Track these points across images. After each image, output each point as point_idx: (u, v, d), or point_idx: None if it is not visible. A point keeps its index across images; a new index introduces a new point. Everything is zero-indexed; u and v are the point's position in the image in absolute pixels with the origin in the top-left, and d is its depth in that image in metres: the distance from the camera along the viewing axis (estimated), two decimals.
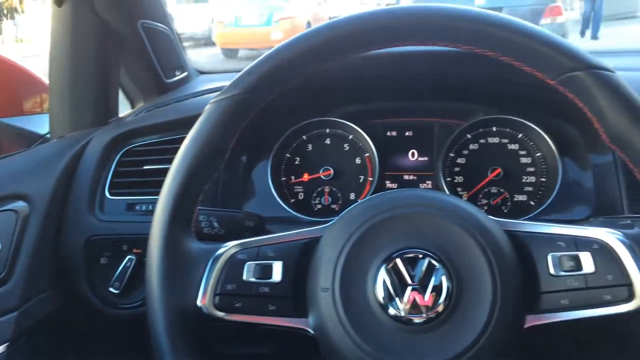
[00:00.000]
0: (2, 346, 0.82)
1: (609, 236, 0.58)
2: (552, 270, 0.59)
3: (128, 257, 0.91)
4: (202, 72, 1.40)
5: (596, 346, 0.80)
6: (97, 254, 0.92)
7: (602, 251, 0.58)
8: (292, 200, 1.05)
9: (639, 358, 0.58)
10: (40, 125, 1.13)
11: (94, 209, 0.94)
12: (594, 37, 8.12)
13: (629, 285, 0.56)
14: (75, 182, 0.94)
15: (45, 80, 1.07)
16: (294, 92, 0.95)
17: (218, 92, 0.63)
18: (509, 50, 0.60)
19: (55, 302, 0.91)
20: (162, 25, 1.13)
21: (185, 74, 1.26)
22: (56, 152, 0.95)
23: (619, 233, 0.58)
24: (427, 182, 1.04)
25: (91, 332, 0.99)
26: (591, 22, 8.25)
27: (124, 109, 1.21)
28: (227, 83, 0.64)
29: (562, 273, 0.58)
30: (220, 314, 0.62)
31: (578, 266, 0.58)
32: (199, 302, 0.61)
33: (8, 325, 0.83)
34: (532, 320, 0.59)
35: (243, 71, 0.63)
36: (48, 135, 1.09)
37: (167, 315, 0.61)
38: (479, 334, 0.56)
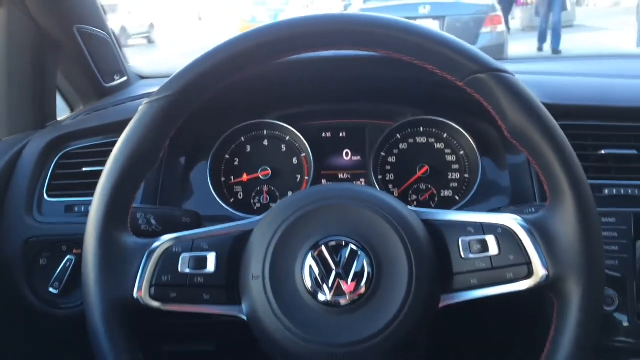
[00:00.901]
0: None
1: (511, 221, 0.64)
2: (462, 254, 0.64)
3: (67, 257, 0.92)
4: (142, 77, 1.42)
5: (499, 323, 0.87)
6: (36, 255, 0.93)
7: (505, 234, 0.63)
8: (232, 200, 1.08)
9: (537, 332, 0.65)
10: None
11: (32, 211, 0.95)
12: (556, 51, 7.94)
13: (528, 264, 0.62)
14: (13, 184, 0.95)
15: None
16: (232, 94, 0.99)
17: (154, 93, 0.66)
18: (422, 55, 0.65)
19: None
20: (99, 30, 1.14)
21: (124, 78, 1.28)
22: None
23: (520, 218, 0.64)
24: (361, 180, 1.09)
25: (30, 333, 0.99)
26: (550, 36, 8.14)
27: (64, 114, 1.21)
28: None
29: (471, 255, 0.64)
30: (157, 304, 0.64)
31: (485, 249, 0.64)
32: (135, 294, 0.63)
33: None
34: (446, 300, 0.64)
35: (175, 74, 0.66)
36: None
37: (104, 307, 0.63)
38: (397, 312, 0.61)
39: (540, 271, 0.61)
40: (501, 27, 7.80)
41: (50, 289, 0.91)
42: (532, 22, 10.76)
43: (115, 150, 0.65)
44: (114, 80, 1.22)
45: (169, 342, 1.09)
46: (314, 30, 0.65)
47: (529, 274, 0.62)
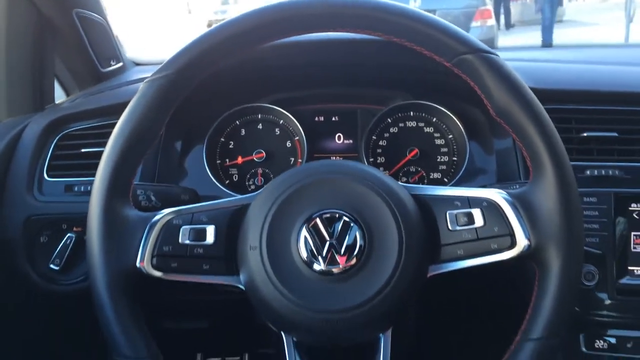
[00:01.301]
0: None
1: (495, 195, 0.67)
2: (449, 226, 0.68)
3: (68, 235, 0.94)
4: (137, 64, 1.44)
5: (485, 294, 0.91)
6: (37, 232, 0.95)
7: (490, 208, 0.67)
8: (227, 182, 1.11)
9: (520, 302, 0.68)
10: None
11: (33, 190, 0.97)
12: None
13: (511, 235, 0.65)
14: (13, 164, 0.97)
15: None
16: (227, 79, 1.02)
17: (152, 73, 0.69)
18: (412, 37, 0.68)
19: None
20: (97, 15, 1.16)
21: (120, 64, 1.30)
22: None
23: (504, 192, 0.68)
24: None
25: (31, 309, 1.01)
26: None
27: (59, 98, 1.23)
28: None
29: (458, 227, 0.67)
30: (158, 273, 0.67)
31: (471, 221, 0.67)
32: (137, 264, 0.66)
33: None
34: (434, 270, 0.68)
35: (174, 53, 0.69)
36: None
37: (109, 277, 0.65)
38: (387, 281, 0.64)
39: (522, 242, 0.65)
40: (491, 21, 7.87)
41: (51, 266, 0.94)
42: (523, 17, 10.84)
43: (117, 126, 0.68)
44: (110, 65, 1.24)
45: (163, 320, 1.12)
46: (307, 13, 0.68)
47: (512, 244, 0.65)
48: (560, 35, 8.28)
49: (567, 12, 11.19)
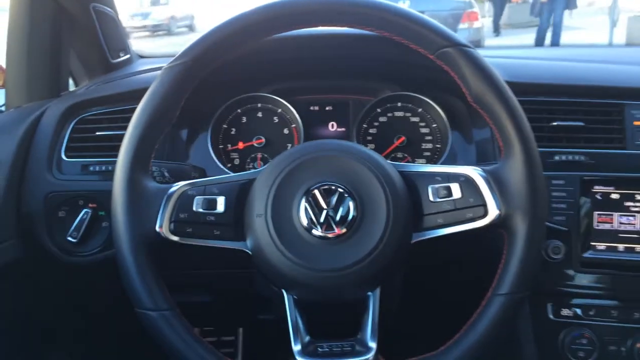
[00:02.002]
0: None
1: (472, 171, 0.77)
2: (431, 198, 0.77)
3: (84, 210, 1.02)
4: (141, 56, 1.53)
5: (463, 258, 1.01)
6: (56, 208, 1.02)
7: (467, 182, 0.76)
8: (229, 165, 1.20)
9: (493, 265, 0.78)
10: None
11: (52, 169, 1.05)
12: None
13: (484, 205, 0.75)
14: (34, 146, 1.05)
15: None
16: (230, 70, 1.11)
17: (171, 60, 0.78)
18: (400, 31, 0.78)
19: (17, 251, 1.01)
20: (109, 9, 1.25)
21: (128, 55, 1.39)
22: (16, 119, 1.06)
23: (479, 169, 0.77)
24: None
25: (50, 278, 1.09)
26: (550, 33, 8.21)
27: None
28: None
29: (438, 199, 0.77)
30: (175, 238, 0.75)
31: (449, 194, 0.76)
32: (157, 228, 0.75)
33: None
34: (417, 237, 0.77)
35: (191, 43, 0.78)
36: (2, 108, 1.18)
37: (132, 241, 0.73)
38: (376, 245, 0.74)
39: (494, 211, 0.74)
40: (478, 23, 8.01)
41: (69, 238, 1.01)
42: (510, 20, 11.02)
43: (139, 107, 0.77)
44: (119, 56, 1.33)
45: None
46: (310, 9, 0.77)
47: (485, 213, 0.75)
48: (545, 38, 8.43)
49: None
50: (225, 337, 1.58)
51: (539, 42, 8.17)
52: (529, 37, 8.37)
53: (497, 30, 10.14)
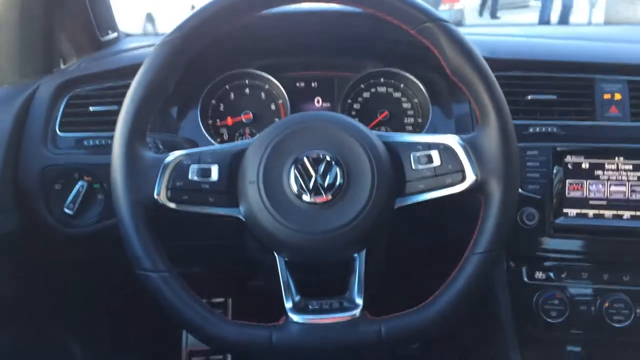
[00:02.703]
0: None
1: (451, 139, 0.82)
2: (413, 165, 0.82)
3: (80, 183, 1.05)
4: (127, 35, 1.55)
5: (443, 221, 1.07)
6: (52, 181, 1.05)
7: (446, 150, 0.81)
8: (218, 140, 1.23)
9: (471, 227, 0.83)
10: None
11: (47, 144, 1.07)
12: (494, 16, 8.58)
13: (462, 171, 0.80)
14: (29, 121, 1.07)
15: None
16: (217, 47, 1.14)
17: (165, 35, 0.81)
18: (382, 7, 0.82)
19: (16, 224, 1.05)
20: None
21: (116, 34, 1.41)
22: (10, 95, 1.08)
23: (458, 137, 0.83)
24: None
25: (47, 249, 1.13)
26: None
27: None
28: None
29: (420, 166, 0.82)
30: (172, 205, 0.80)
31: (430, 161, 0.81)
32: (155, 196, 0.79)
33: None
34: (400, 202, 0.82)
35: (184, 19, 0.82)
36: None
37: (132, 207, 0.78)
38: (361, 209, 0.79)
39: (471, 176, 0.80)
40: (459, 5, 8.03)
41: (66, 210, 1.04)
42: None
43: (135, 80, 0.80)
44: (107, 34, 1.35)
45: None
46: None
47: (463, 178, 0.80)
48: (526, 19, 8.52)
49: None
50: (216, 298, 1.61)
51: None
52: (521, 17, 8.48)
53: (493, 14, 10.04)
